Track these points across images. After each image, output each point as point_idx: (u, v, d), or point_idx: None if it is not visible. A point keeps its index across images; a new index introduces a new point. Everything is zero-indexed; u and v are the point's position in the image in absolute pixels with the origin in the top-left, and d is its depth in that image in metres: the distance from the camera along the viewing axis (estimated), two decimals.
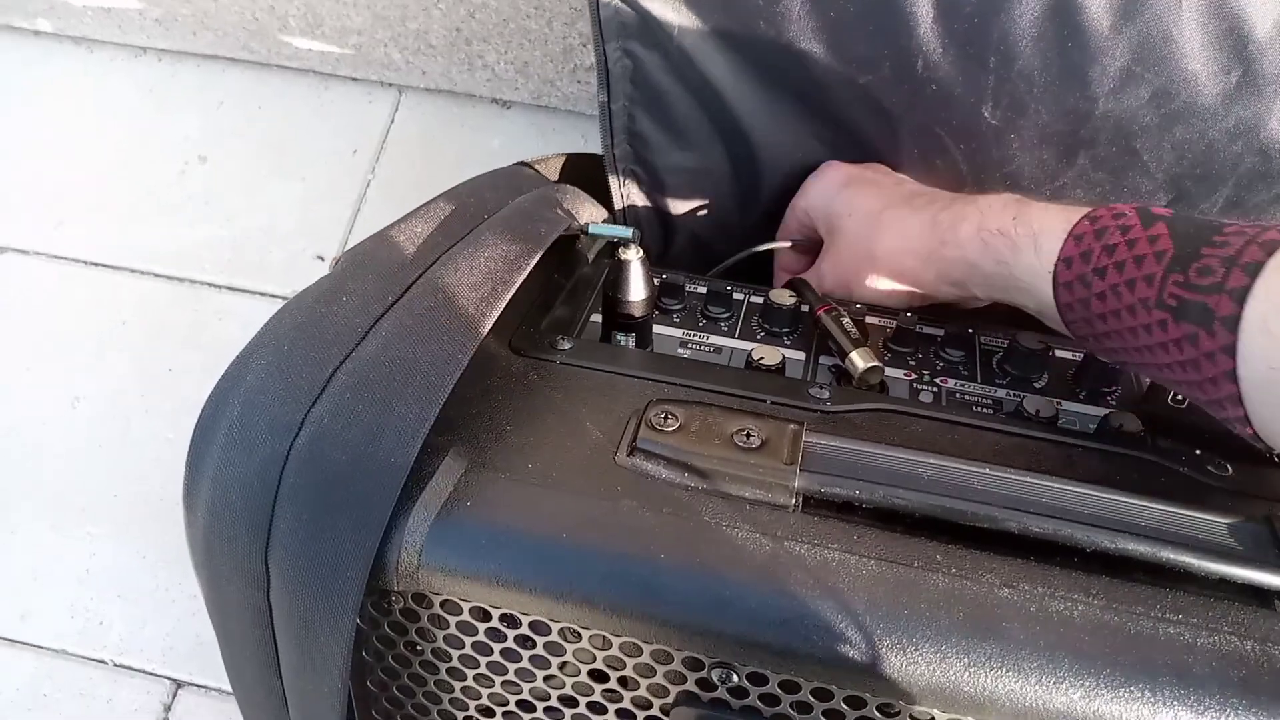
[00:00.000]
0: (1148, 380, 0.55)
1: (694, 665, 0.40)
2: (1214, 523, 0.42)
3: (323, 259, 0.95)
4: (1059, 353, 0.57)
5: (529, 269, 0.49)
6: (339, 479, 0.40)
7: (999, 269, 0.52)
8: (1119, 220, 0.47)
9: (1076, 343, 0.52)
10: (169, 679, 0.82)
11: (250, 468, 0.40)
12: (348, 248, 0.93)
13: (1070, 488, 0.43)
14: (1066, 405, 0.54)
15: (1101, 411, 0.53)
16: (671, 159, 0.68)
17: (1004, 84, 0.59)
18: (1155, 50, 0.55)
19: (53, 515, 0.87)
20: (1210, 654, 0.37)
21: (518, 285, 0.48)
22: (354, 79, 1.00)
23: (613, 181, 0.69)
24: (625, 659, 0.41)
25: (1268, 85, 0.56)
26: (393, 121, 0.99)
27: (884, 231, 0.59)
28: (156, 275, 0.96)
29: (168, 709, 0.81)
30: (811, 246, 0.67)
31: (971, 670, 0.37)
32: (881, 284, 0.60)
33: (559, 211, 0.55)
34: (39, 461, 0.89)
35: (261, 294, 0.94)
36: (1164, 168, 0.60)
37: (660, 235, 0.72)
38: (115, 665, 0.83)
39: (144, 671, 0.82)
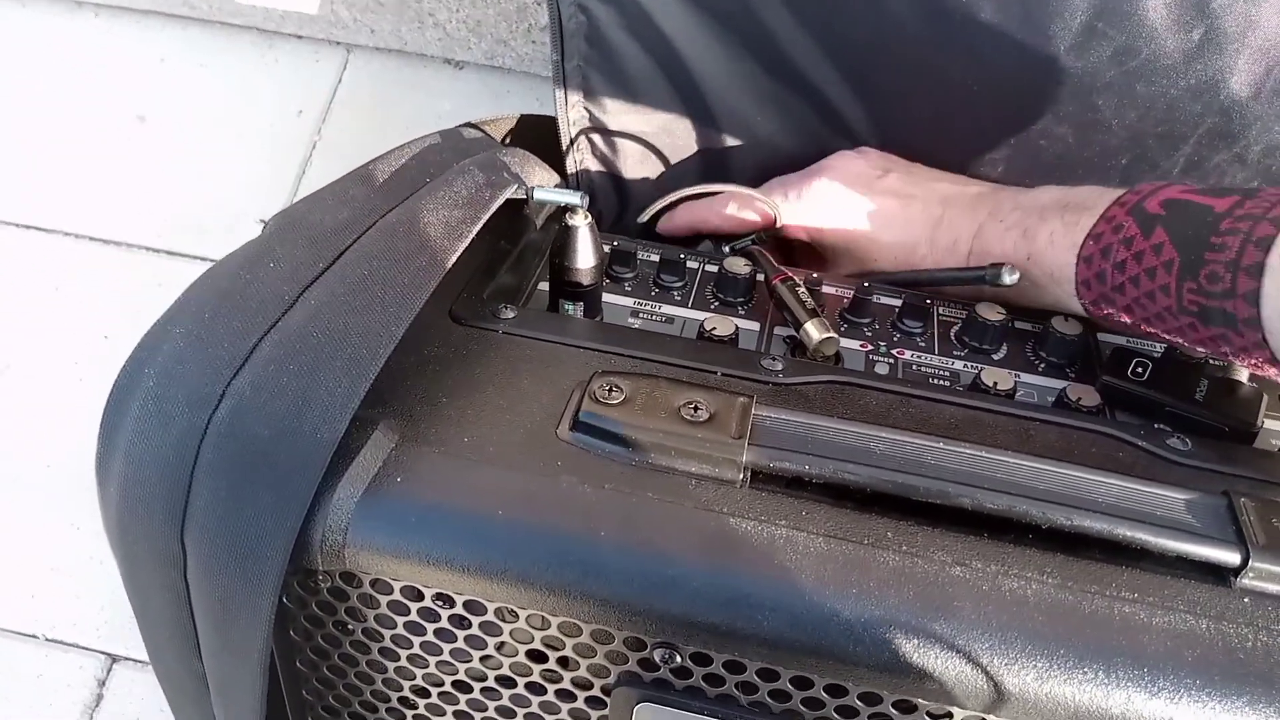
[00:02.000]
0: (1108, 353, 0.54)
1: (636, 645, 0.39)
2: (1171, 499, 0.41)
3: (265, 223, 0.91)
4: (1019, 324, 0.56)
5: (471, 236, 0.47)
6: (260, 454, 0.38)
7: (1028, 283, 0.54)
8: (1120, 234, 0.48)
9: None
10: (103, 654, 0.79)
11: (166, 441, 0.38)
12: None
13: (1025, 463, 0.42)
14: (1025, 378, 0.53)
15: (1060, 384, 0.51)
16: (626, 121, 0.66)
17: (968, 40, 0.57)
18: (1118, 6, 0.54)
19: None
20: (1165, 634, 0.36)
21: (459, 254, 0.46)
22: (299, 37, 0.97)
23: (565, 145, 0.67)
24: (564, 639, 0.40)
25: (1229, 43, 0.55)
26: (340, 81, 0.95)
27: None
28: (92, 239, 0.92)
29: (102, 684, 0.78)
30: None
31: (922, 650, 0.36)
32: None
33: (505, 175, 0.53)
34: None
35: (201, 259, 0.91)
36: (1126, 125, 0.59)
37: (615, 202, 0.70)
38: (46, 639, 0.80)
39: (77, 646, 0.80)
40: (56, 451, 0.85)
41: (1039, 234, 0.53)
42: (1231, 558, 0.38)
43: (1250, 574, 0.38)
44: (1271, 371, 0.44)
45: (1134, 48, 0.55)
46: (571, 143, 0.67)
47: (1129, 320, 0.49)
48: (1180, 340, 0.47)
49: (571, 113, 0.66)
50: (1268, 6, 0.53)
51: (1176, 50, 0.55)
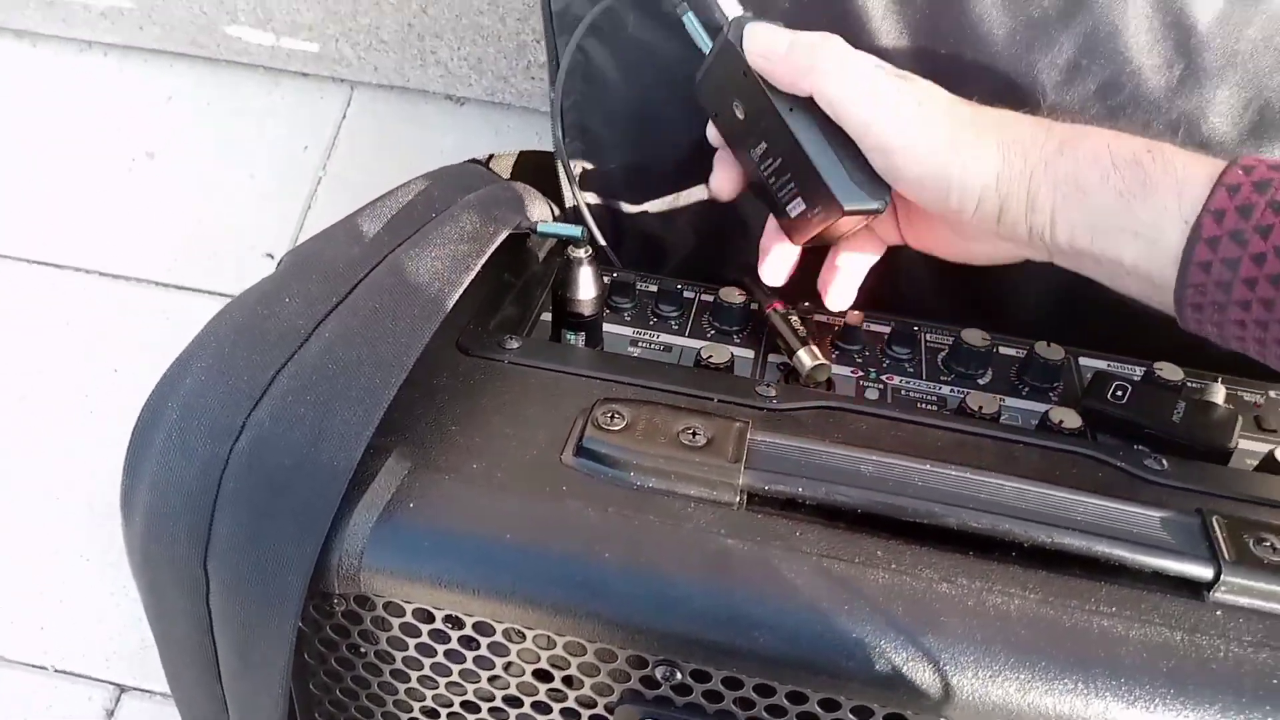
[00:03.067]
0: (1088, 377, 0.56)
1: (638, 663, 0.41)
2: (1148, 517, 0.43)
3: (272, 257, 0.93)
4: (1003, 350, 0.58)
5: (477, 269, 0.49)
6: (280, 483, 0.39)
7: (1118, 203, 0.44)
8: (1249, 220, 0.40)
9: (1174, 312, 0.44)
10: (112, 684, 0.81)
11: (189, 472, 0.40)
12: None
13: (1009, 483, 0.43)
14: (1009, 401, 0.55)
15: (1043, 407, 0.53)
16: (622, 156, 0.68)
17: (957, 73, 0.59)
18: (1103, 43, 0.56)
19: None
20: (1141, 645, 0.38)
21: (465, 286, 0.48)
22: (305, 74, 0.99)
23: (564, 179, 0.69)
24: (569, 658, 0.41)
25: (1209, 79, 0.57)
26: (344, 118, 0.98)
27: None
28: (102, 274, 0.94)
29: (110, 714, 0.80)
30: None
31: (910, 665, 0.38)
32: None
33: (508, 210, 0.55)
34: None
35: (210, 293, 0.93)
36: None
37: (612, 234, 0.72)
38: (55, 671, 0.81)
39: (86, 676, 0.81)
40: (67, 484, 0.86)
41: (1166, 146, 0.44)
42: (1204, 573, 0.40)
43: (1222, 588, 0.40)
44: None
45: (1118, 84, 0.58)
46: (570, 177, 0.69)
47: (1249, 274, 0.41)
48: None
49: (569, 148, 0.68)
50: (1245, 43, 0.55)
51: (1159, 86, 0.57)
